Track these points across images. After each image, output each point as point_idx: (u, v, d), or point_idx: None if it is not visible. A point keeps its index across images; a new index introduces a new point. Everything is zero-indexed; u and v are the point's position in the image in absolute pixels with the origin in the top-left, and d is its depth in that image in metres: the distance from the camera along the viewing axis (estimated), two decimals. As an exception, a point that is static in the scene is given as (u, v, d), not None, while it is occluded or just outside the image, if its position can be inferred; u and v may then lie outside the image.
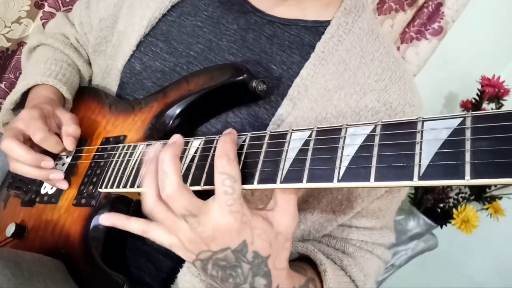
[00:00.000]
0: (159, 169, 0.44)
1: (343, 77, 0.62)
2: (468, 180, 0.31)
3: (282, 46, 0.65)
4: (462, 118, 0.33)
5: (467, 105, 1.54)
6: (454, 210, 1.44)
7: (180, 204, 0.42)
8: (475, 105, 1.51)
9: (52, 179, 0.63)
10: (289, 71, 0.63)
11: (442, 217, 1.49)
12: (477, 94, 1.50)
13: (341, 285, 0.59)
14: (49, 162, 0.61)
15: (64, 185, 0.64)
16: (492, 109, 1.48)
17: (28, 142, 0.62)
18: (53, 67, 0.76)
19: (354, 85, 0.62)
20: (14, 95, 0.74)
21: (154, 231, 0.47)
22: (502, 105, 1.48)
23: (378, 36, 0.66)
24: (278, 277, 0.45)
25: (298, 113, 0.60)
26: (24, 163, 0.61)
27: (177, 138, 0.47)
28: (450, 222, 1.46)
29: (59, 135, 0.65)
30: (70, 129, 0.65)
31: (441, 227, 1.51)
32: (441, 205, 1.52)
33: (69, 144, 0.64)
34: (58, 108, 0.67)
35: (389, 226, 0.70)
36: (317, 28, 0.65)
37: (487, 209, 1.48)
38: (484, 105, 1.50)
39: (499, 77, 1.46)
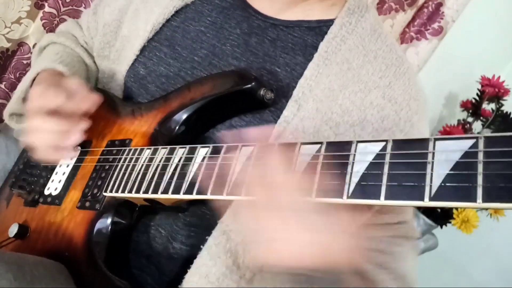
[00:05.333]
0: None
1: (346, 76, 0.62)
2: (480, 204, 0.30)
3: (285, 49, 0.65)
4: (475, 140, 0.32)
5: (467, 105, 1.54)
6: (454, 210, 1.44)
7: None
8: (475, 105, 1.51)
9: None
10: (293, 73, 0.63)
11: (442, 217, 1.49)
12: (477, 94, 1.50)
13: None
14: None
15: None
16: (492, 109, 1.49)
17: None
18: (63, 58, 0.76)
19: (359, 83, 0.62)
20: (24, 84, 0.73)
21: None
22: (502, 105, 1.48)
23: (380, 36, 0.66)
24: None
25: (303, 114, 0.60)
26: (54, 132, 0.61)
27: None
28: (450, 222, 1.46)
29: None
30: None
31: (441, 227, 1.51)
32: (441, 205, 1.52)
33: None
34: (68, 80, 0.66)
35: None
36: (321, 28, 0.65)
37: (487, 209, 1.48)
38: (484, 105, 1.50)
39: (499, 77, 1.45)
